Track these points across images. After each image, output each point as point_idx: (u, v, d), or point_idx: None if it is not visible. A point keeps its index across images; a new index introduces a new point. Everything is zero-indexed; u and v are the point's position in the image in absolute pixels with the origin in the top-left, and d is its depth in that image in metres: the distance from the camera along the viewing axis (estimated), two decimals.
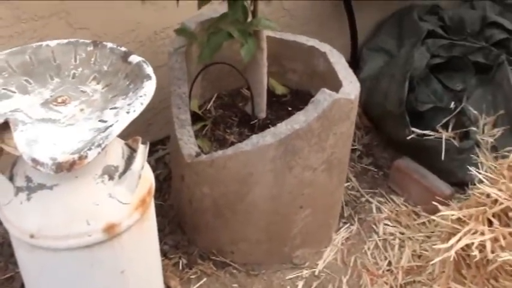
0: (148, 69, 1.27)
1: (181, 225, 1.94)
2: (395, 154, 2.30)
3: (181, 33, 1.70)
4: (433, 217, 1.67)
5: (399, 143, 2.23)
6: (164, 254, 1.85)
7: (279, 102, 1.94)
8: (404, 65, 2.25)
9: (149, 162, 2.15)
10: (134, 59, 1.31)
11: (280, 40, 1.93)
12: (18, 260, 1.41)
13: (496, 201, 1.52)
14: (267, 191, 1.64)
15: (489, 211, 1.51)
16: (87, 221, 1.25)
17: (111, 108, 1.22)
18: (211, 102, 1.97)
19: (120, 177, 1.30)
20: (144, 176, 1.37)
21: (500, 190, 1.53)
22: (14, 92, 1.29)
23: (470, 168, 1.71)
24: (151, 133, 2.20)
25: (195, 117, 1.85)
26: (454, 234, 1.52)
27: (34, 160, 1.09)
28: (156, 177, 2.11)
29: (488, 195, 1.55)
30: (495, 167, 1.69)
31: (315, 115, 1.53)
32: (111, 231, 1.28)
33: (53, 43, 1.38)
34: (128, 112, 1.16)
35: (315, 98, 1.56)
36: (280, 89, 1.98)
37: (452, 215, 1.52)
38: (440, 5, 2.63)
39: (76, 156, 1.08)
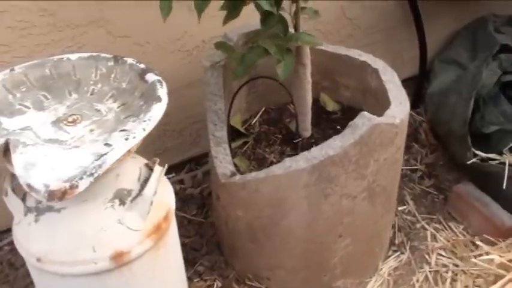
0: (161, 91, 1.18)
1: (220, 246, 1.85)
2: (460, 177, 2.11)
3: (220, 48, 1.59)
4: (474, 260, 1.49)
5: (462, 166, 2.03)
6: (199, 275, 1.77)
7: (328, 119, 1.81)
8: (472, 81, 2.05)
9: (195, 176, 2.11)
10: (151, 77, 1.23)
11: (332, 54, 1.80)
12: (33, 278, 1.38)
13: None
14: (302, 218, 1.52)
15: None
16: (93, 247, 1.19)
17: (120, 131, 1.15)
18: (257, 117, 1.87)
19: (132, 201, 1.23)
20: (160, 201, 1.29)
21: None
22: (29, 108, 1.24)
23: None
24: (201, 144, 2.13)
25: (237, 133, 1.77)
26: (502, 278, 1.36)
27: (29, 186, 1.02)
28: (201, 192, 2.05)
29: None
30: None
31: (352, 141, 1.39)
32: (119, 260, 1.21)
33: (74, 56, 1.32)
34: (126, 139, 1.07)
35: (354, 121, 1.43)
36: (331, 105, 1.86)
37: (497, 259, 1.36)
38: None
39: (67, 184, 1.01)
